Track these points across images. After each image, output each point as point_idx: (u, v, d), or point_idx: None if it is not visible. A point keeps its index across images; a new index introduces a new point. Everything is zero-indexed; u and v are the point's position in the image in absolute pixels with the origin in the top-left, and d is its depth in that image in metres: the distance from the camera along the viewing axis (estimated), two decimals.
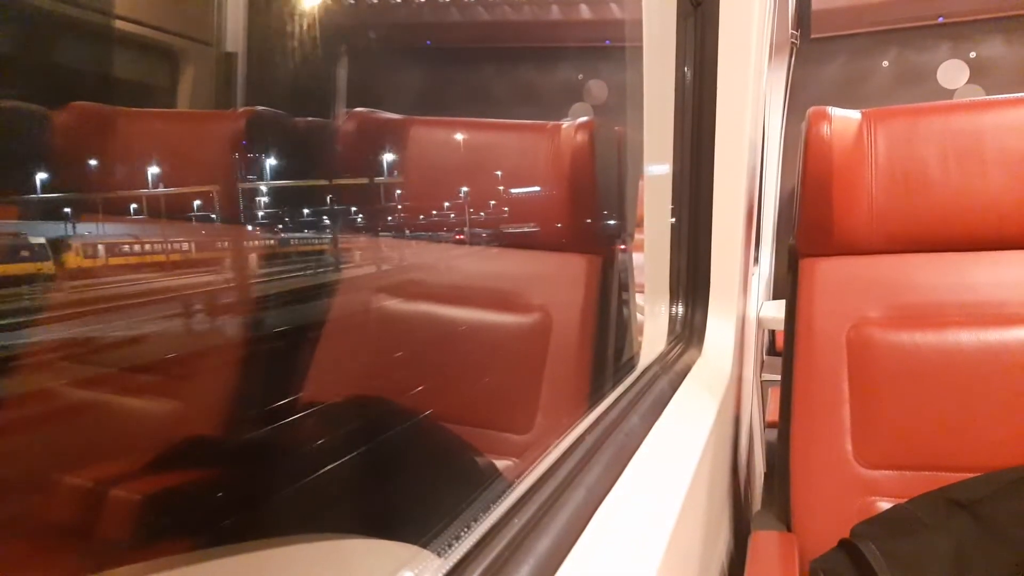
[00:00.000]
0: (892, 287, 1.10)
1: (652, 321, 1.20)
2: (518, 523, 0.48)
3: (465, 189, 1.26)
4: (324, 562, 0.63)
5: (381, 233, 1.29)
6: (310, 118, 1.28)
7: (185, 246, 0.87)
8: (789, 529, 1.07)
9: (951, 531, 0.91)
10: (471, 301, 1.22)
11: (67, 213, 0.68)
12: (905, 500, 0.99)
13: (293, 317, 1.19)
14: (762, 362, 2.23)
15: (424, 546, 0.49)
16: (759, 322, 1.78)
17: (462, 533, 0.47)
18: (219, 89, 1.15)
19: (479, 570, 0.43)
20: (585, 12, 3.67)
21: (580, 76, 3.98)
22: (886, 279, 1.11)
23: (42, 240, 0.66)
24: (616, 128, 1.31)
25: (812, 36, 3.67)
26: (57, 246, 0.67)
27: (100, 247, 0.73)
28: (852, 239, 1.13)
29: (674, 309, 1.20)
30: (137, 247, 0.78)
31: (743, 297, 1.24)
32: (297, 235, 1.15)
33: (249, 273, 1.11)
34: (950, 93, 3.64)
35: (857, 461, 1.05)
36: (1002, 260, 1.09)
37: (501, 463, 1.11)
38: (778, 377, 1.21)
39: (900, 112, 1.16)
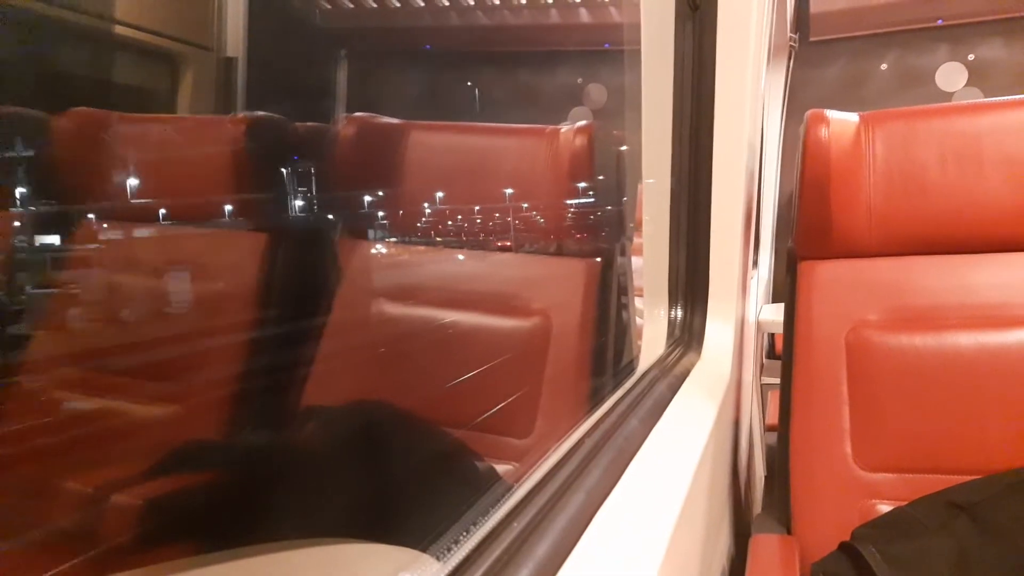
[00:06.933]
0: (891, 289, 1.10)
1: (651, 324, 1.20)
2: (517, 527, 0.48)
3: (468, 200, 1.26)
4: (324, 566, 0.63)
5: (378, 236, 1.29)
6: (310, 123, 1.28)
7: None
8: (789, 532, 1.07)
9: (952, 533, 0.91)
10: (471, 305, 1.22)
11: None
12: (905, 503, 0.99)
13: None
14: (761, 365, 2.23)
15: (424, 550, 0.49)
16: (758, 325, 1.78)
17: (461, 537, 0.47)
18: (219, 94, 1.15)
19: (478, 574, 0.43)
20: (584, 16, 3.68)
21: (579, 80, 3.99)
22: (885, 282, 1.11)
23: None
24: (615, 132, 1.31)
25: (811, 39, 3.68)
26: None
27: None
28: (851, 242, 1.13)
29: (673, 312, 1.20)
30: None
31: (742, 300, 1.24)
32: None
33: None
34: (949, 96, 3.65)
35: (857, 464, 1.05)
36: (1001, 262, 1.09)
37: (501, 467, 1.11)
38: (777, 380, 1.21)
39: (898, 115, 1.16)
